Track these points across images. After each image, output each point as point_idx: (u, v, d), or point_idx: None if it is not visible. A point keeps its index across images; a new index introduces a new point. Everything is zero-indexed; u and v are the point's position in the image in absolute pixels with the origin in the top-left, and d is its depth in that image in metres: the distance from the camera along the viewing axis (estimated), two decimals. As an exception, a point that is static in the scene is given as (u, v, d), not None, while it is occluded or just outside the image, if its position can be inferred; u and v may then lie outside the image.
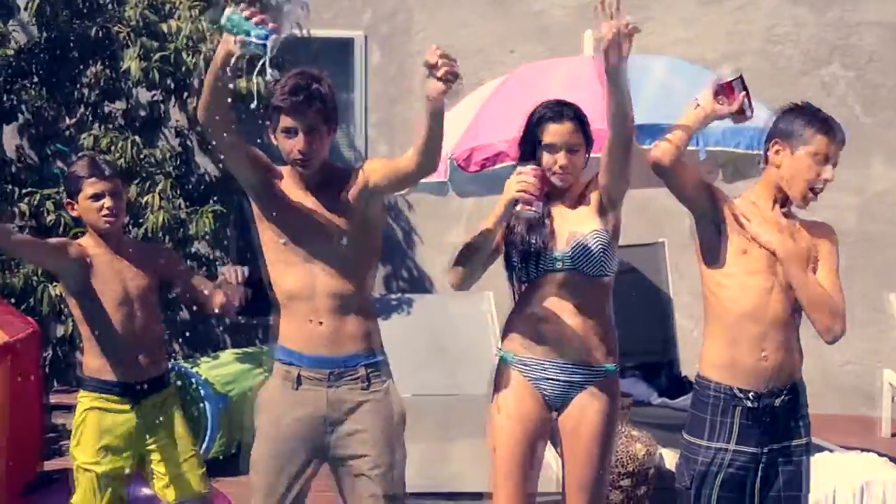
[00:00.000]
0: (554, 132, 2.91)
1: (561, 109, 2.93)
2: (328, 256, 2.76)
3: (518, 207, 2.79)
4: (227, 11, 2.49)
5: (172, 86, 5.87)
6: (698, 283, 2.89)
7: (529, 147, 2.95)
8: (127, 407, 3.30)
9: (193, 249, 6.02)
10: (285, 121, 2.70)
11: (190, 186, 6.21)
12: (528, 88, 4.20)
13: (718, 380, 2.79)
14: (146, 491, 3.63)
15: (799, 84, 6.89)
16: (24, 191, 5.58)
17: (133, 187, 5.55)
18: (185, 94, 5.94)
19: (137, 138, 5.73)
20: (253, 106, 2.61)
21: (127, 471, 3.33)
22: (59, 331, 5.75)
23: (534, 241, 2.91)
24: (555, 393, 2.93)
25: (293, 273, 2.77)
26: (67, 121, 6.12)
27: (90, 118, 6.00)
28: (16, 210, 5.59)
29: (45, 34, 5.88)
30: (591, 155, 3.01)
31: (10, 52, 5.83)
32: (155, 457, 3.36)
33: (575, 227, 2.92)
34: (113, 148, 5.61)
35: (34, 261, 4.65)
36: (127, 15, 5.72)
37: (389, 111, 7.17)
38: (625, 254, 5.73)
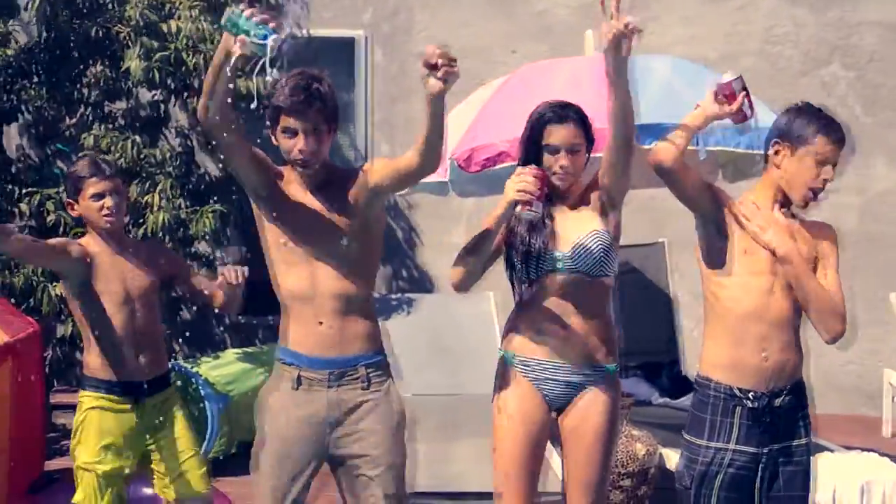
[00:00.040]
0: (556, 134, 2.90)
1: (563, 111, 2.93)
2: (330, 257, 2.76)
3: (518, 209, 2.78)
4: (228, 11, 2.49)
5: (174, 86, 5.87)
6: (699, 283, 2.89)
7: (531, 148, 2.95)
8: (128, 406, 3.30)
9: (194, 249, 6.03)
10: (286, 121, 2.70)
11: (191, 186, 6.21)
12: (530, 88, 4.20)
13: (719, 380, 2.79)
14: (147, 491, 3.64)
15: (799, 84, 6.88)
16: (25, 191, 5.58)
17: (134, 187, 5.55)
18: (187, 94, 5.95)
19: (139, 138, 5.73)
20: (253, 106, 2.61)
21: (128, 470, 3.34)
22: (61, 330, 5.75)
23: (534, 242, 2.91)
24: (556, 393, 2.93)
25: (295, 274, 2.77)
26: (68, 121, 6.12)
27: (91, 118, 6.00)
28: (17, 210, 5.60)
29: (46, 34, 5.88)
30: (592, 155, 3.01)
31: (12, 52, 5.83)
32: (156, 456, 3.37)
33: (576, 227, 2.92)
34: (114, 148, 5.61)
35: (36, 262, 4.65)
36: (128, 15, 5.72)
37: (391, 110, 7.17)
38: (626, 253, 5.78)
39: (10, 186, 5.68)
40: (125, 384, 3.29)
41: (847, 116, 6.44)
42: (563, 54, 5.56)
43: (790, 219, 2.82)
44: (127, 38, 5.68)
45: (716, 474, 2.77)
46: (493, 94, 4.48)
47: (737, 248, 2.78)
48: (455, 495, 3.93)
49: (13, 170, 5.99)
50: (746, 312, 2.75)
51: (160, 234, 5.43)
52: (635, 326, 5.37)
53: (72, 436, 3.35)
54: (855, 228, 6.83)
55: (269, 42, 2.43)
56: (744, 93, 2.78)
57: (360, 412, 2.79)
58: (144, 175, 5.69)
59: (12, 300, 5.20)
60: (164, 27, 5.68)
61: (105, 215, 3.26)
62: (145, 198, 5.58)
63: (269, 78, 2.44)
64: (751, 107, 2.81)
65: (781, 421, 2.78)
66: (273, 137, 2.77)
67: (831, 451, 4.27)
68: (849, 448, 4.43)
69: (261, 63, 2.43)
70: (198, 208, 5.75)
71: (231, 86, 2.58)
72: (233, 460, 5.27)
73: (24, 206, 5.53)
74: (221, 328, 7.24)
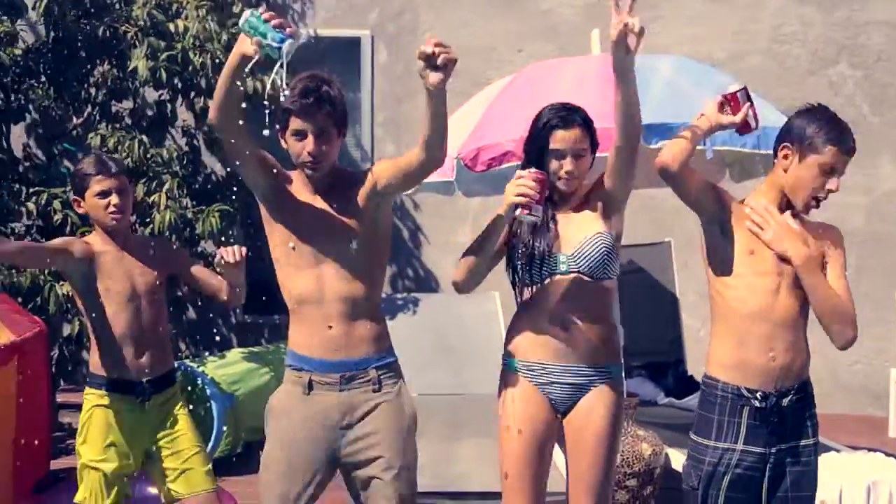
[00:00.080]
0: (562, 138, 2.89)
1: (569, 115, 2.91)
2: (338, 260, 2.74)
3: (518, 212, 2.77)
4: (246, 13, 2.49)
5: (180, 85, 5.88)
6: (705, 282, 2.88)
7: (535, 151, 2.94)
8: (133, 404, 3.31)
9: (200, 249, 6.04)
10: (295, 123, 2.69)
11: (197, 186, 6.23)
12: (536, 88, 4.20)
13: (726, 380, 2.78)
14: (151, 490, 3.63)
15: (806, 84, 6.88)
16: (31, 190, 5.59)
17: (140, 186, 5.57)
18: (193, 94, 5.96)
19: (145, 138, 5.75)
20: (265, 103, 2.60)
21: (133, 469, 3.34)
22: (67, 329, 5.77)
23: (538, 245, 2.90)
24: (561, 396, 2.92)
25: (302, 277, 2.76)
26: (75, 120, 6.14)
27: (97, 118, 6.02)
28: (24, 209, 5.61)
29: (52, 34, 5.90)
30: (596, 154, 3.00)
31: (18, 52, 5.85)
32: (161, 454, 3.36)
33: (579, 230, 2.92)
34: (120, 147, 5.63)
35: (39, 266, 4.66)
36: (134, 14, 5.74)
37: (396, 110, 7.17)
38: (631, 253, 5.79)
39: (16, 186, 5.69)
40: (131, 382, 3.29)
41: (854, 116, 6.45)
42: (569, 53, 5.56)
43: (797, 221, 2.80)
44: (133, 37, 5.69)
45: (723, 475, 2.76)
46: (499, 93, 4.48)
47: (742, 249, 2.77)
48: (458, 495, 3.92)
49: (20, 169, 6.01)
50: (752, 313, 2.74)
51: (166, 234, 5.45)
52: (640, 326, 5.37)
53: (77, 434, 3.35)
54: (861, 228, 6.83)
55: (285, 47, 2.44)
56: (748, 104, 2.77)
57: (372, 415, 2.77)
58: (150, 174, 5.71)
59: (18, 299, 5.21)
60: (171, 27, 5.69)
61: (111, 213, 3.26)
62: (151, 197, 5.59)
63: (279, 83, 2.44)
64: (755, 117, 2.80)
65: (789, 421, 2.77)
66: (282, 140, 2.76)
67: (837, 451, 4.26)
68: (855, 448, 4.42)
69: (276, 67, 2.44)
70: (203, 208, 5.76)
71: (242, 88, 2.59)
72: (238, 459, 5.28)
73: (30, 206, 5.54)
74: (227, 328, 7.25)
